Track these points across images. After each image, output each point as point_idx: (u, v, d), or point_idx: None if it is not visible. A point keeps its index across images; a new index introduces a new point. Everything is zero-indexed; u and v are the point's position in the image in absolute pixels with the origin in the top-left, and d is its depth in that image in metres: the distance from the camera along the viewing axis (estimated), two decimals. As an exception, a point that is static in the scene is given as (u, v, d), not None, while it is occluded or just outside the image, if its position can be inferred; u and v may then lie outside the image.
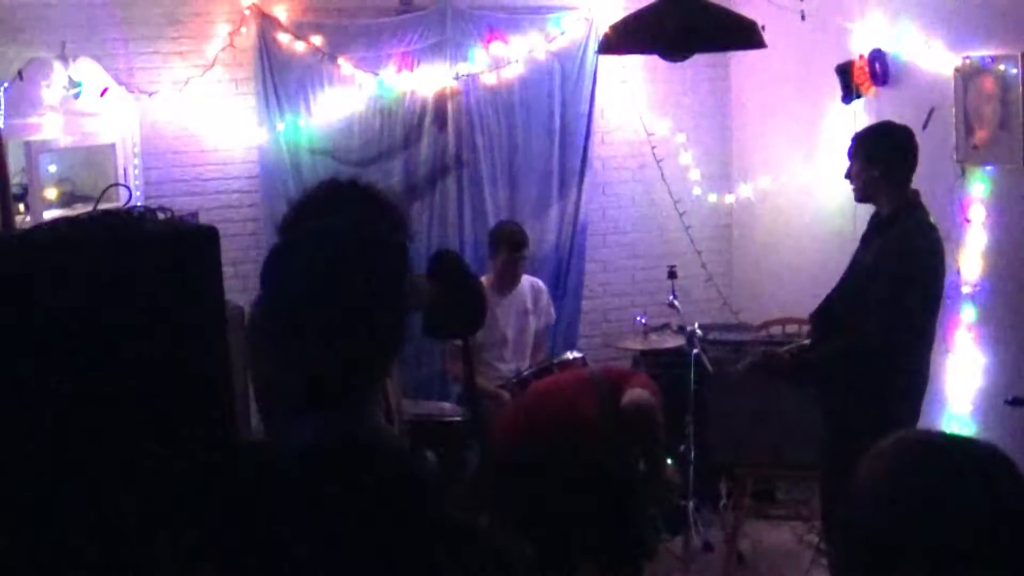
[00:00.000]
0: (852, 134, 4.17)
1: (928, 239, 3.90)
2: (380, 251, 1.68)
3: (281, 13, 5.88)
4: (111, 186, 2.64)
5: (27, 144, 5.05)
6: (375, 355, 1.62)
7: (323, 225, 1.81)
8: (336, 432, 1.57)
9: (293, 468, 1.56)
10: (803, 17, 5.54)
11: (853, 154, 4.01)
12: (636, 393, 4.08)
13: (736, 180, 6.73)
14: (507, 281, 5.50)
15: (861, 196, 4.04)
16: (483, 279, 5.16)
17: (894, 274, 3.79)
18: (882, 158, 3.92)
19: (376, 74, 5.99)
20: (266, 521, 1.53)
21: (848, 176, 4.04)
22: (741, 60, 6.41)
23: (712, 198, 6.73)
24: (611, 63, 6.31)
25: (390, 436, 1.72)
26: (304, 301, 1.60)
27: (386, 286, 1.63)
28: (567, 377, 4.62)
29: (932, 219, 3.96)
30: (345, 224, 1.75)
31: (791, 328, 5.50)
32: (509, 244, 5.44)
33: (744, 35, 4.29)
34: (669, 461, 4.69)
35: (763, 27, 4.32)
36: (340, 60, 5.93)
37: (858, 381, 3.84)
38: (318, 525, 1.50)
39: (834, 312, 4.00)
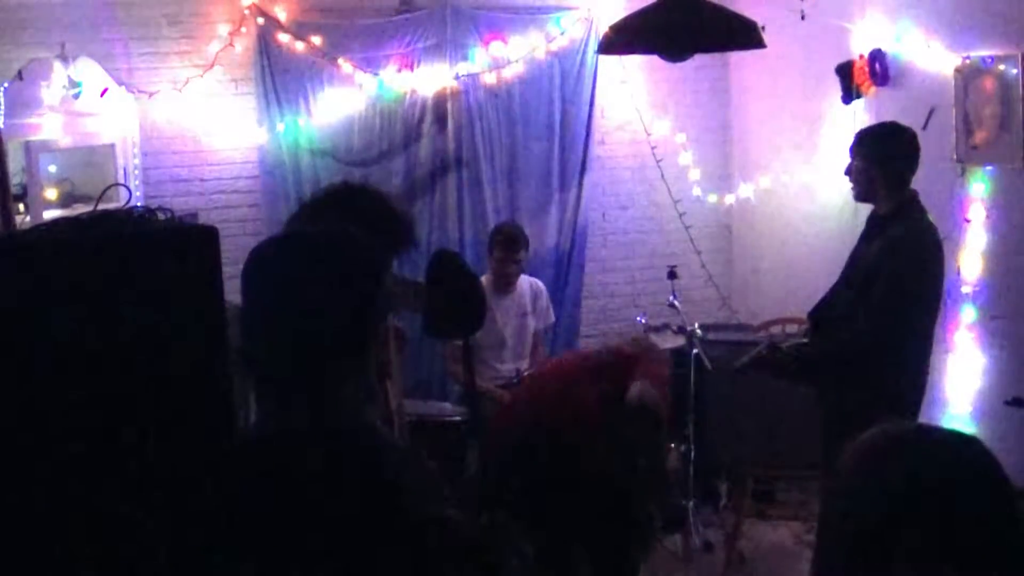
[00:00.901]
0: (854, 132, 4.17)
1: (929, 240, 3.90)
2: (345, 254, 1.71)
3: (281, 13, 5.88)
4: (111, 186, 2.64)
5: (27, 144, 5.06)
6: (331, 353, 1.65)
7: (294, 230, 1.85)
8: (305, 421, 1.59)
9: (258, 460, 1.58)
10: (803, 17, 5.54)
11: (855, 151, 4.01)
12: (641, 388, 4.03)
13: (736, 180, 6.73)
14: (501, 282, 5.50)
15: (860, 194, 4.03)
16: (482, 279, 5.16)
17: (894, 273, 3.79)
18: (883, 158, 3.91)
19: (376, 74, 5.99)
20: (260, 515, 1.53)
21: (848, 173, 4.04)
22: (741, 60, 6.41)
23: (712, 198, 6.72)
24: (611, 63, 6.31)
25: (370, 425, 1.73)
26: (266, 300, 1.65)
27: (346, 287, 1.66)
28: (571, 363, 4.49)
29: (931, 219, 3.96)
30: (315, 228, 1.78)
31: (791, 328, 5.49)
32: (502, 244, 5.46)
33: (744, 35, 4.29)
34: (672, 446, 4.65)
35: (763, 27, 4.32)
36: (340, 60, 5.93)
37: (857, 382, 3.84)
38: (294, 512, 1.51)
39: (832, 310, 4.00)
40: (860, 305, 3.84)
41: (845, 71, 5.46)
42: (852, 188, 4.05)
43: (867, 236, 4.03)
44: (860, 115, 5.40)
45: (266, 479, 1.54)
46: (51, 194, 5.26)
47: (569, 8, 6.33)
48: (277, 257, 1.70)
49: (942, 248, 3.94)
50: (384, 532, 1.50)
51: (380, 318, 1.70)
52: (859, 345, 3.83)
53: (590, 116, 6.40)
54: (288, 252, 1.72)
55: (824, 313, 4.04)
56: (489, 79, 6.20)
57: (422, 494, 1.58)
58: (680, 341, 5.31)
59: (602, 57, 6.04)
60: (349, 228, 1.76)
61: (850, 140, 4.10)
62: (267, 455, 1.58)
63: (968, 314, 4.92)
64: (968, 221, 4.86)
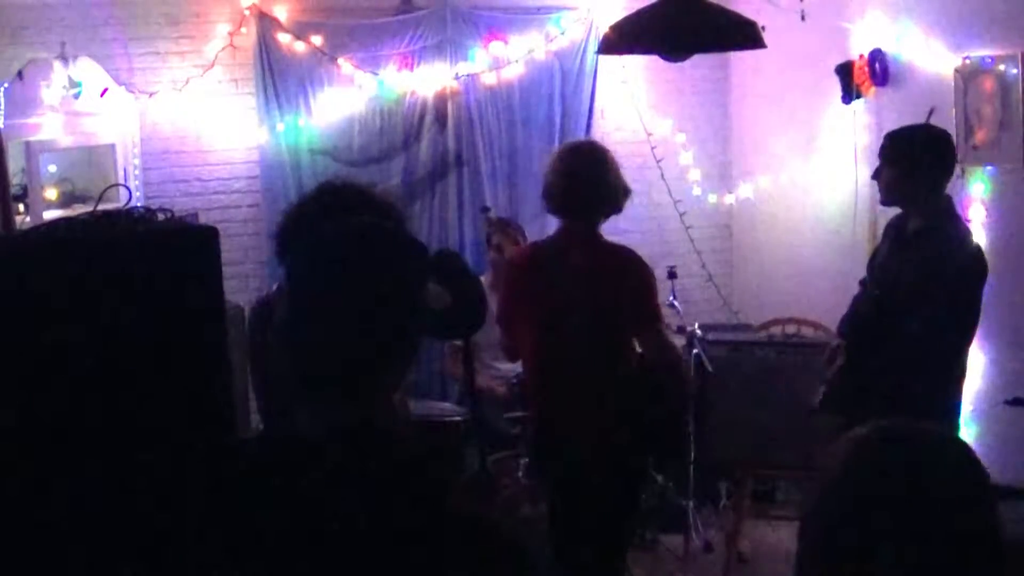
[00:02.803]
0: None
1: (975, 254, 3.77)
2: (408, 249, 1.70)
3: (281, 13, 5.88)
4: (111, 186, 2.64)
5: (27, 144, 5.06)
6: (401, 350, 1.64)
7: (354, 222, 1.82)
8: (356, 420, 1.58)
9: (309, 455, 1.56)
10: (803, 17, 5.53)
11: (884, 155, 3.84)
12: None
13: (736, 180, 6.73)
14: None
15: (887, 200, 3.89)
16: (482, 278, 5.16)
17: (943, 296, 3.63)
18: (912, 163, 3.74)
19: (376, 74, 5.99)
20: (271, 514, 1.52)
21: (875, 177, 3.89)
22: (741, 60, 6.41)
23: (712, 198, 6.72)
24: (611, 63, 6.31)
25: (405, 428, 1.73)
26: (342, 295, 1.61)
27: (413, 282, 1.66)
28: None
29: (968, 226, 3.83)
30: (375, 222, 1.77)
31: (791, 328, 5.49)
32: (498, 226, 5.49)
33: (744, 35, 4.29)
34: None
35: (763, 27, 4.32)
36: (340, 60, 5.93)
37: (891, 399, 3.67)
38: (335, 509, 1.50)
39: (870, 327, 3.82)
40: (903, 326, 3.66)
41: (845, 71, 5.46)
42: (880, 192, 3.91)
43: (899, 249, 3.84)
44: (860, 115, 5.40)
45: (324, 480, 1.52)
46: (51, 194, 5.26)
47: (569, 8, 6.34)
48: (336, 254, 1.65)
49: (985, 263, 3.79)
50: (439, 532, 1.50)
51: (424, 316, 1.68)
52: (935, 368, 3.67)
53: (590, 116, 6.40)
54: (345, 248, 1.67)
55: (862, 330, 3.86)
56: (489, 79, 6.20)
57: (442, 485, 1.59)
58: (680, 341, 5.31)
59: (602, 57, 6.05)
60: (390, 224, 1.73)
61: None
62: (321, 456, 1.56)
63: (968, 314, 4.91)
64: (968, 221, 4.86)
